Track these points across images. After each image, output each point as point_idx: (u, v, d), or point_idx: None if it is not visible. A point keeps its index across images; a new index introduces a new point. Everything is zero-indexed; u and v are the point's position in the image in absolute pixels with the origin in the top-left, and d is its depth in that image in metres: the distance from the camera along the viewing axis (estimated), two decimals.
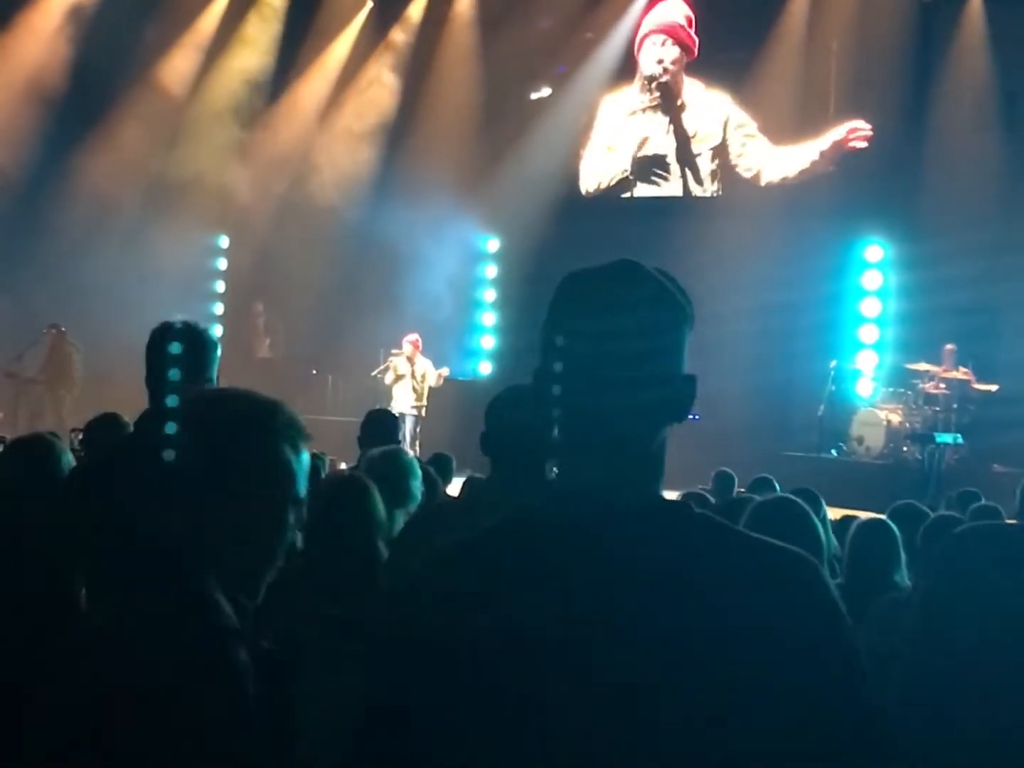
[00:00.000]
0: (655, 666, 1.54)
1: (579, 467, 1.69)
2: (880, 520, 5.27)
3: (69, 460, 4.06)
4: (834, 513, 7.13)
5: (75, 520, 3.72)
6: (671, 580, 1.59)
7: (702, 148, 18.77)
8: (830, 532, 5.68)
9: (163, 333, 3.82)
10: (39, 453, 3.97)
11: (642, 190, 19.28)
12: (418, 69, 19.92)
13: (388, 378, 16.68)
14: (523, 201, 18.36)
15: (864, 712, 1.59)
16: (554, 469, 3.79)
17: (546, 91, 19.83)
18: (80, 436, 6.16)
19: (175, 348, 3.78)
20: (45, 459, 3.92)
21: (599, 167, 19.65)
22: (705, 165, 18.78)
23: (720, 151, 18.61)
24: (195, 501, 2.28)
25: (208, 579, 2.22)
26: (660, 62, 18.85)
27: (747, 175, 18.41)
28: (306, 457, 2.35)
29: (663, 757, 1.53)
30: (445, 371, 16.92)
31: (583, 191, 19.69)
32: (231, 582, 2.22)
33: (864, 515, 5.92)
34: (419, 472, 4.85)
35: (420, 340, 16.75)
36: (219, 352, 3.86)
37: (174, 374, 3.75)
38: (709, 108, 18.60)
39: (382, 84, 20.03)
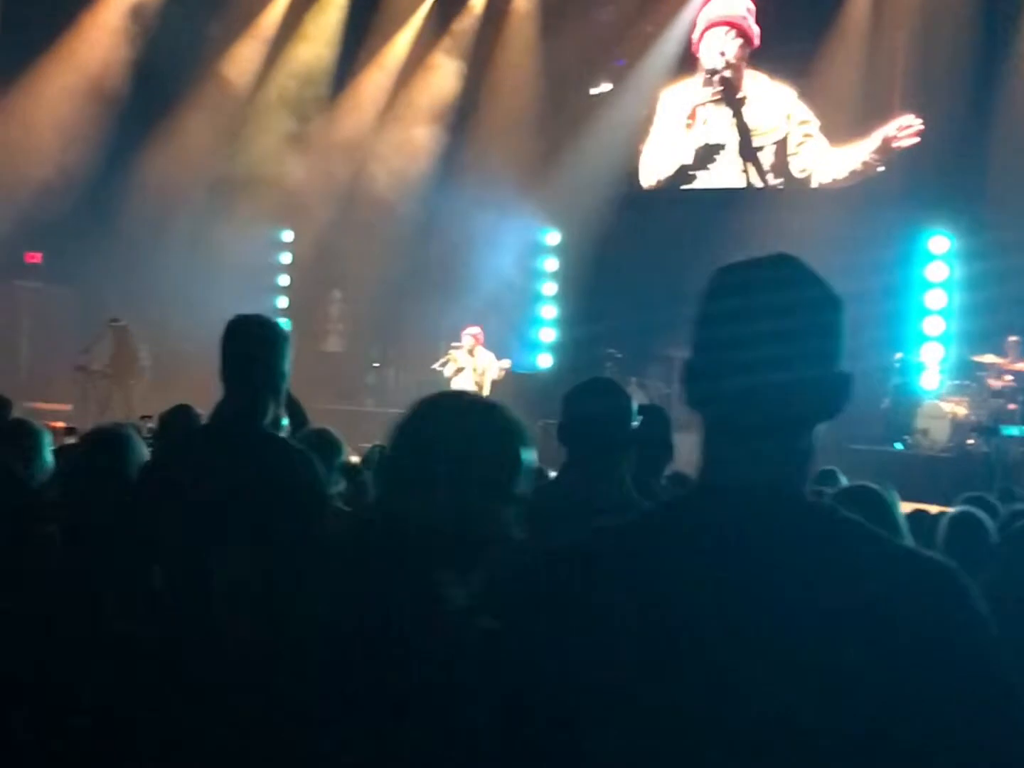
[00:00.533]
0: (804, 675, 1.53)
1: (729, 462, 1.67)
2: (969, 512, 5.20)
3: (143, 451, 4.13)
4: (902, 507, 7.09)
5: (151, 509, 3.79)
6: (827, 588, 1.57)
7: (765, 141, 18.69)
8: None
9: (238, 326, 3.87)
10: (115, 443, 4.03)
11: (702, 182, 19.21)
12: (479, 62, 19.95)
13: (448, 370, 16.70)
14: (583, 194, 18.35)
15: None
16: (628, 460, 3.80)
17: (606, 86, 19.79)
18: (150, 424, 6.25)
19: (250, 341, 3.85)
20: (121, 449, 3.99)
21: (659, 161, 19.61)
22: (767, 158, 18.69)
23: (782, 145, 18.51)
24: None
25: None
26: (722, 54, 18.77)
27: (800, 175, 18.32)
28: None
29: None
30: (507, 363, 16.93)
31: (644, 185, 19.65)
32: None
33: (932, 509, 5.86)
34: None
35: (481, 333, 16.75)
36: (290, 346, 3.91)
37: (251, 365, 3.83)
38: (773, 101, 18.50)
39: (443, 76, 20.07)
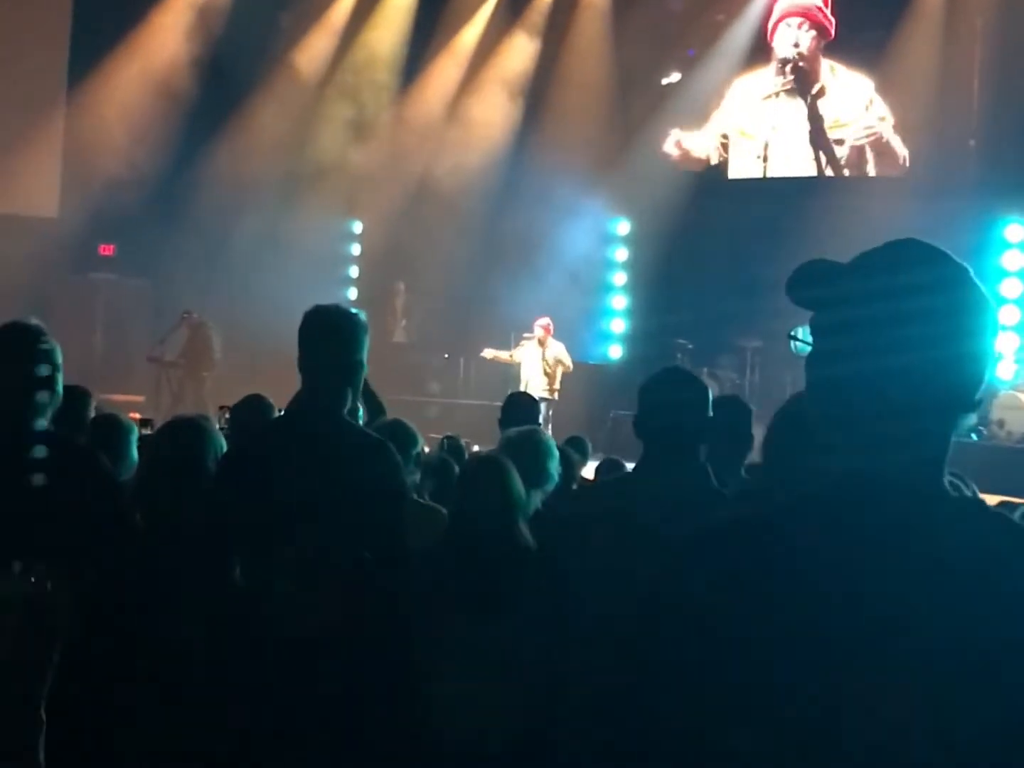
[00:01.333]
0: (940, 663, 1.53)
1: (858, 449, 1.65)
2: None
3: (221, 441, 4.16)
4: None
5: (232, 501, 3.82)
6: (963, 579, 1.56)
7: (844, 134, 18.47)
8: None
9: (316, 317, 3.89)
10: (193, 434, 4.07)
11: (773, 171, 19.06)
12: (550, 50, 19.90)
13: (520, 354, 16.51)
14: (653, 183, 18.29)
15: None
16: (704, 450, 3.77)
17: (676, 76, 19.68)
18: (227, 415, 6.29)
19: (328, 331, 3.86)
20: (199, 440, 4.02)
21: (711, 147, 19.50)
22: (843, 150, 18.48)
23: (863, 133, 18.30)
24: None
25: None
26: (796, 45, 18.57)
27: (872, 172, 18.17)
28: None
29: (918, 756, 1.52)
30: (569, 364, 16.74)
31: (684, 168, 19.51)
32: None
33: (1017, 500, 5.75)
34: (556, 453, 4.86)
35: (551, 324, 16.63)
36: (368, 336, 3.92)
37: (329, 355, 3.85)
38: (851, 93, 18.29)
39: (514, 65, 20.06)
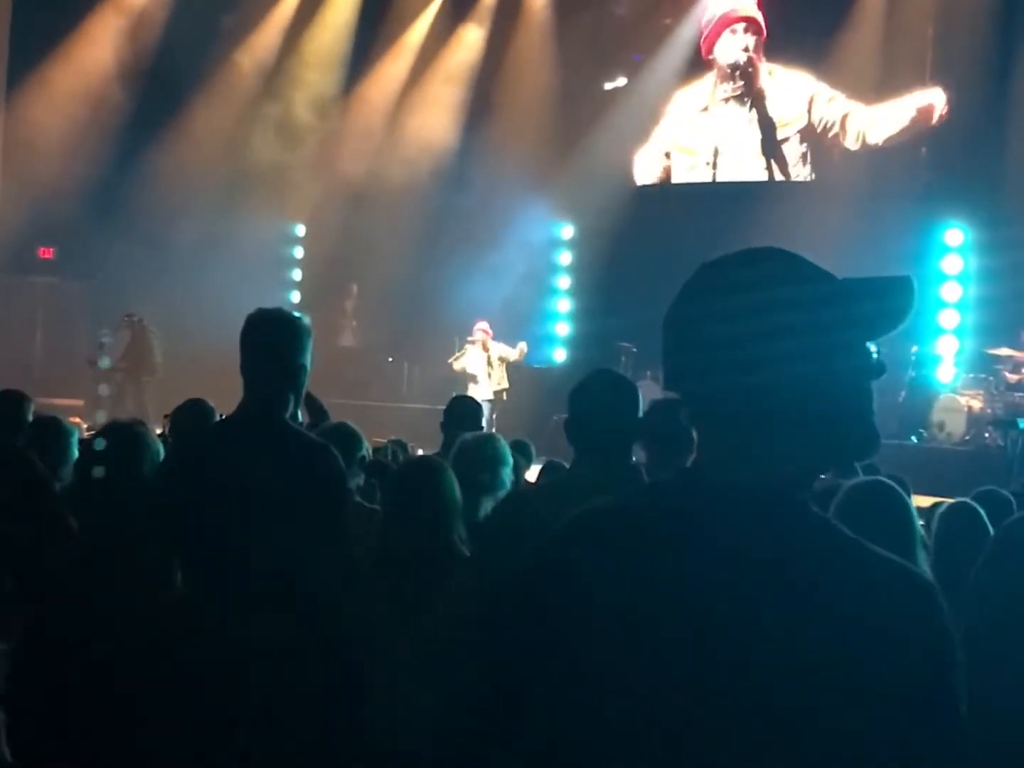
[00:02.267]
0: (746, 662, 1.54)
1: (718, 449, 1.67)
2: (965, 503, 5.16)
3: (156, 447, 4.12)
4: (917, 500, 7.02)
5: (173, 503, 3.79)
6: (782, 581, 1.57)
7: (789, 132, 18.60)
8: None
9: (258, 320, 3.87)
10: (127, 439, 4.03)
11: (721, 177, 19.16)
12: (493, 55, 19.93)
13: (458, 365, 16.73)
14: (598, 188, 18.35)
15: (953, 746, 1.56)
16: (636, 450, 3.77)
17: (621, 80, 19.75)
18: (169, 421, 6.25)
19: (270, 335, 3.84)
20: (133, 445, 3.99)
21: (657, 163, 19.61)
22: (793, 150, 18.60)
23: (808, 132, 18.44)
24: None
25: None
26: (745, 50, 18.68)
27: (854, 146, 18.20)
28: None
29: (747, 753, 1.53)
30: (523, 345, 16.90)
31: (638, 183, 19.60)
32: None
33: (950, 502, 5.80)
34: (510, 460, 4.86)
35: (489, 326, 16.79)
36: (311, 340, 3.90)
37: (272, 359, 3.83)
38: (791, 90, 18.43)
39: (457, 69, 20.07)
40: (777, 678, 1.52)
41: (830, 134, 18.31)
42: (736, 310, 1.64)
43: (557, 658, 1.65)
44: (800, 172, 18.61)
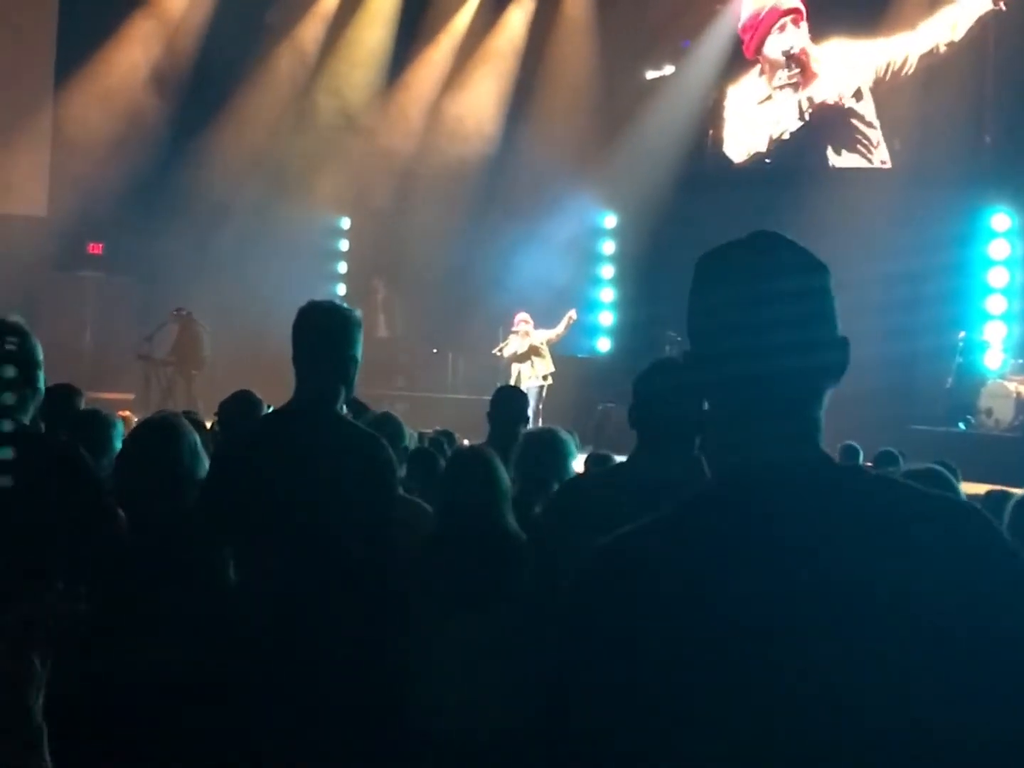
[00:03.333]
0: (841, 644, 1.55)
1: (746, 445, 1.69)
2: (1003, 492, 5.13)
3: (194, 438, 4.16)
4: (967, 488, 6.98)
5: (224, 496, 3.83)
6: (854, 551, 1.58)
7: (842, 112, 18.41)
8: None
9: (310, 313, 3.92)
10: (163, 432, 4.08)
11: (775, 163, 19.04)
12: (537, 43, 19.89)
13: (506, 353, 16.77)
14: (641, 177, 18.28)
15: None
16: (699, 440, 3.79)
17: (668, 69, 19.64)
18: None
19: (322, 327, 3.89)
20: (170, 438, 4.03)
21: (735, 143, 19.50)
22: (840, 135, 18.42)
23: (862, 109, 18.27)
24: None
25: None
26: (796, 40, 18.52)
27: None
28: None
29: (848, 741, 1.54)
30: (572, 313, 16.85)
31: (735, 161, 19.48)
32: None
33: (1016, 491, 5.75)
34: (575, 452, 4.88)
35: (530, 317, 16.80)
36: (361, 332, 3.96)
37: (324, 351, 3.88)
38: (841, 69, 18.26)
39: (500, 60, 20.06)
40: (879, 650, 1.53)
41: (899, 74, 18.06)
42: (763, 296, 1.68)
43: (639, 654, 1.63)
44: (848, 158, 18.44)
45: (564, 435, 4.89)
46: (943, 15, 17.10)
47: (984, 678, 1.53)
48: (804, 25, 18.47)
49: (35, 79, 20.01)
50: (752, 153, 19.25)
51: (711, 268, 1.75)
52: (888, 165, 17.93)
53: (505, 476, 4.04)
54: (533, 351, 16.62)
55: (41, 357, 3.87)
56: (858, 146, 18.39)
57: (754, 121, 19.16)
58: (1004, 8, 16.43)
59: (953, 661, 1.53)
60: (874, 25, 17.69)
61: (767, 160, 19.11)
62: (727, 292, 1.70)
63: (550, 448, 4.75)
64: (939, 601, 1.55)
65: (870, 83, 18.10)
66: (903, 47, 17.55)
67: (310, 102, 20.12)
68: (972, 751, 1.53)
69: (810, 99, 18.60)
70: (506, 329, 17.16)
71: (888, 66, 17.86)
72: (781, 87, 18.81)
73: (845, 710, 1.54)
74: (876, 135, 18.16)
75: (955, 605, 1.54)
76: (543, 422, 15.46)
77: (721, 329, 1.70)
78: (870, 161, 18.23)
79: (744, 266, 1.71)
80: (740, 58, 19.05)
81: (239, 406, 5.79)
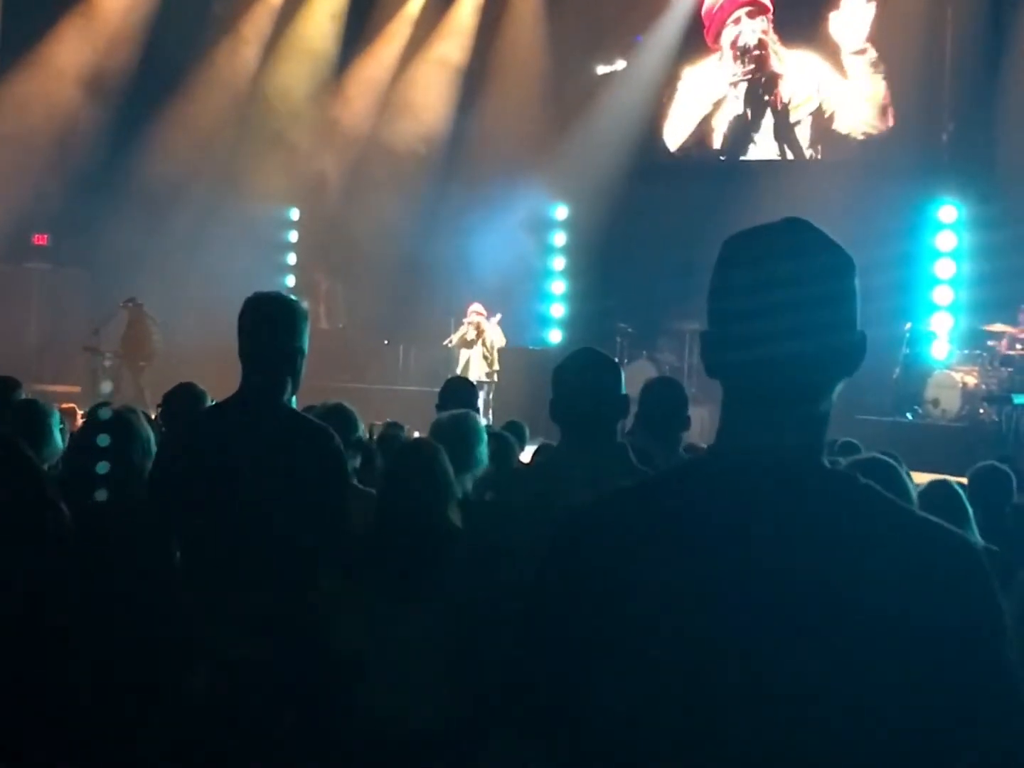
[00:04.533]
0: (799, 633, 1.56)
1: (749, 427, 1.69)
2: (943, 481, 5.19)
3: (147, 432, 4.13)
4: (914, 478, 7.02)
5: (171, 488, 3.81)
6: (829, 548, 1.59)
7: (800, 115, 18.52)
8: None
9: (256, 304, 3.92)
10: (114, 424, 4.05)
11: (730, 158, 19.10)
12: (486, 37, 19.86)
13: (455, 339, 16.80)
14: (593, 169, 18.30)
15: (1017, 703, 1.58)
16: (621, 427, 3.79)
17: (620, 63, 19.65)
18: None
19: (268, 318, 3.87)
20: (122, 429, 4.01)
21: (682, 134, 19.51)
22: (804, 132, 18.51)
23: (818, 114, 18.37)
24: None
25: None
26: (753, 33, 18.58)
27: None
28: None
29: (802, 727, 1.55)
30: (498, 317, 16.97)
31: (672, 149, 19.51)
32: None
33: (952, 479, 5.83)
34: (485, 436, 4.86)
35: (483, 307, 16.86)
36: (307, 323, 3.95)
37: (270, 342, 3.86)
38: (802, 75, 18.36)
39: (449, 51, 20.01)
40: (830, 636, 1.54)
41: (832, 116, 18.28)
42: (769, 280, 1.67)
43: (600, 634, 1.64)
44: (799, 151, 18.54)
45: (473, 421, 4.86)
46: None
47: (924, 672, 1.54)
48: (764, 20, 18.51)
49: None
50: (690, 139, 19.29)
51: (733, 251, 1.73)
52: (833, 156, 18.06)
53: (449, 470, 4.03)
54: (484, 345, 16.68)
55: None
56: (807, 140, 18.51)
57: (698, 108, 19.21)
58: None
59: (895, 654, 1.53)
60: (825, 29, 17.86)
61: (715, 150, 19.18)
62: (745, 276, 1.69)
63: (457, 435, 4.70)
64: (886, 598, 1.55)
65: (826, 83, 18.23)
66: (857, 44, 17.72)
67: (258, 92, 20.00)
68: (916, 745, 1.54)
69: (764, 94, 18.67)
70: (458, 320, 17.16)
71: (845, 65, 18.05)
72: (735, 83, 18.86)
73: (785, 693, 1.55)
74: (823, 128, 18.28)
75: (903, 602, 1.55)
76: (493, 414, 15.50)
77: (734, 312, 1.70)
78: (815, 154, 18.35)
79: (767, 251, 1.70)
80: (702, 40, 19.07)
81: (183, 398, 5.76)
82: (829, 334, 1.67)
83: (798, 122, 18.54)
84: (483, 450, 4.76)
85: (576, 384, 3.58)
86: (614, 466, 3.41)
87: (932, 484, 5.04)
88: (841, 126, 18.15)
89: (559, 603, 1.71)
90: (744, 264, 1.70)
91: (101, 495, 3.84)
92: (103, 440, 3.88)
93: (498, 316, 17.15)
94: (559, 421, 3.64)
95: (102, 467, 3.88)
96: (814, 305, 1.66)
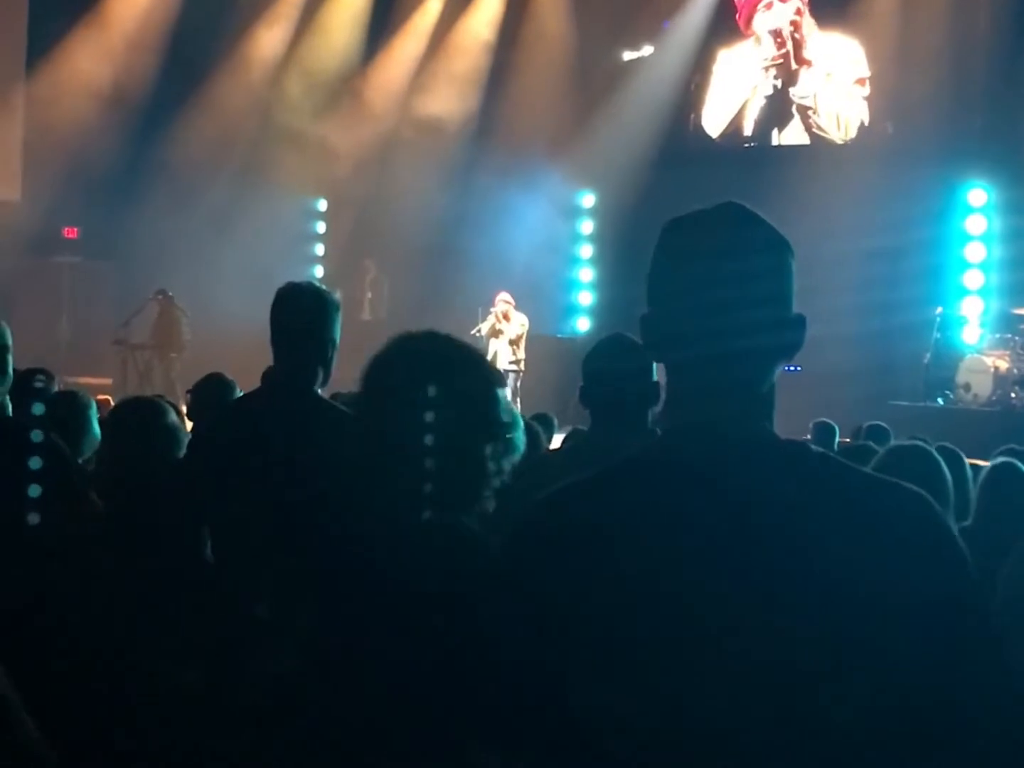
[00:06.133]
0: (770, 603, 1.56)
1: (691, 408, 1.70)
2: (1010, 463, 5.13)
3: (175, 422, 4.14)
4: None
5: (203, 477, 3.83)
6: (789, 517, 1.60)
7: (832, 99, 18.40)
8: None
9: (289, 294, 3.94)
10: (142, 415, 4.06)
11: (759, 139, 19.02)
12: (513, 24, 19.80)
13: (484, 329, 16.79)
14: (620, 156, 18.26)
15: (983, 649, 1.59)
16: (652, 414, 3.78)
17: (647, 49, 19.57)
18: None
19: (300, 308, 3.88)
20: (150, 420, 4.01)
21: (719, 118, 19.43)
22: (834, 117, 18.39)
23: (850, 98, 18.26)
24: None
25: None
26: (790, 16, 18.47)
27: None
28: None
29: (777, 697, 1.55)
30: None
31: (713, 135, 19.43)
32: None
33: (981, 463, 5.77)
34: (522, 422, 4.86)
35: (511, 296, 16.84)
36: (340, 314, 3.97)
37: (302, 332, 3.88)
38: (835, 61, 18.24)
39: (476, 39, 19.97)
40: (807, 610, 1.55)
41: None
42: (706, 260, 1.70)
43: (569, 622, 1.64)
44: (829, 136, 18.43)
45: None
46: None
47: (908, 644, 1.55)
48: (796, 4, 18.39)
49: (6, 63, 19.86)
50: (729, 126, 19.21)
51: (672, 240, 1.76)
52: (863, 139, 17.94)
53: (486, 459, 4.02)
54: (510, 336, 16.68)
55: (10, 341, 3.83)
56: (839, 123, 18.40)
57: (737, 94, 19.12)
58: None
59: (859, 616, 1.54)
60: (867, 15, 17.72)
61: (747, 136, 19.10)
62: (684, 269, 1.72)
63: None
64: (847, 560, 1.56)
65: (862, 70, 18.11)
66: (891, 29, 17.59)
67: (285, 82, 20.02)
68: (894, 717, 1.54)
69: (795, 78, 18.57)
70: (485, 309, 17.16)
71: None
72: (767, 67, 18.77)
73: (760, 671, 1.55)
74: (856, 112, 18.18)
75: (864, 562, 1.56)
76: (521, 401, 15.48)
77: (675, 305, 1.71)
78: (846, 138, 18.27)
79: (703, 242, 1.72)
80: (734, 24, 18.96)
81: (212, 388, 5.79)
82: (763, 311, 1.68)
83: (829, 107, 18.42)
84: (520, 436, 4.76)
85: (607, 369, 3.58)
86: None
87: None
88: (872, 110, 18.03)
89: (524, 596, 1.71)
90: (680, 251, 1.73)
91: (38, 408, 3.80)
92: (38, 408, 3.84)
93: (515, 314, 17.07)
94: (589, 406, 3.64)
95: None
96: (749, 283, 1.67)
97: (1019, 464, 5.00)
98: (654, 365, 3.67)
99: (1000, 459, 5.19)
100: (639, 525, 1.64)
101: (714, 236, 1.71)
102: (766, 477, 1.62)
